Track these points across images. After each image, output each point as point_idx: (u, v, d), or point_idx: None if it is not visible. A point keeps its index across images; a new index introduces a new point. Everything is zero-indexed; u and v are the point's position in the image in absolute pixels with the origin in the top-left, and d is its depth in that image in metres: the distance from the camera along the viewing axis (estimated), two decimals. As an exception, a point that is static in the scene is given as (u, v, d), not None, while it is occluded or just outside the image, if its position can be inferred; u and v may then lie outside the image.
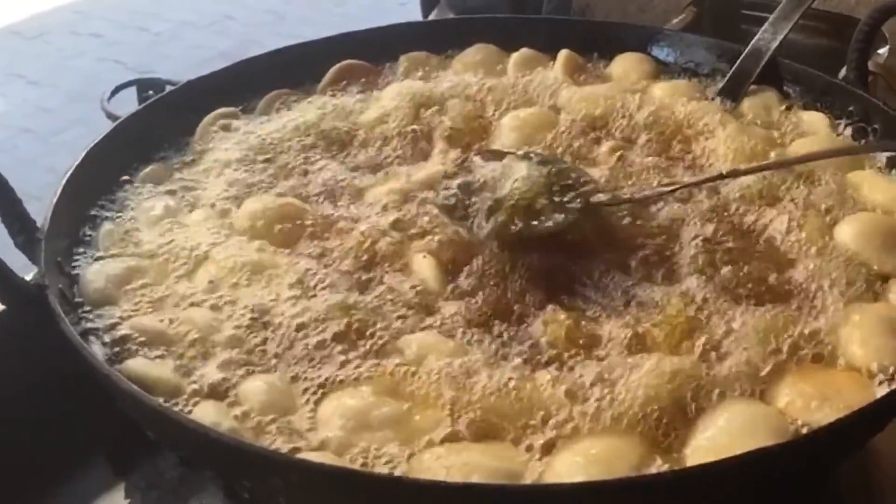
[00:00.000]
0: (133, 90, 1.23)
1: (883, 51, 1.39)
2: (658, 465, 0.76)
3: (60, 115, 3.89)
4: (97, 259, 0.97)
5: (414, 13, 2.21)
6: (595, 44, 1.32)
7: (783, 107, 1.20)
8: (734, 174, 1.02)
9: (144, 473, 1.02)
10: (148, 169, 1.10)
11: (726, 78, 1.24)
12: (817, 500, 0.86)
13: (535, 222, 0.95)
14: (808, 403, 0.80)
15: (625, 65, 1.29)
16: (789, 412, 0.80)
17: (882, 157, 1.10)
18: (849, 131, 1.15)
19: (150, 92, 1.21)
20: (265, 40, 4.11)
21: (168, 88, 1.21)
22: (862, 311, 0.89)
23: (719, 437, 0.77)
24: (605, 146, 1.13)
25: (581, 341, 0.87)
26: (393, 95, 1.21)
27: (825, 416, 0.78)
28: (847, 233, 0.98)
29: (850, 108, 1.16)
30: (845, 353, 0.85)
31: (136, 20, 4.84)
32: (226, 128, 1.18)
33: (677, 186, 1.02)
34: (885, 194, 1.04)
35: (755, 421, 0.78)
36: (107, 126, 1.12)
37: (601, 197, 1.01)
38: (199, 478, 0.97)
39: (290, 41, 1.32)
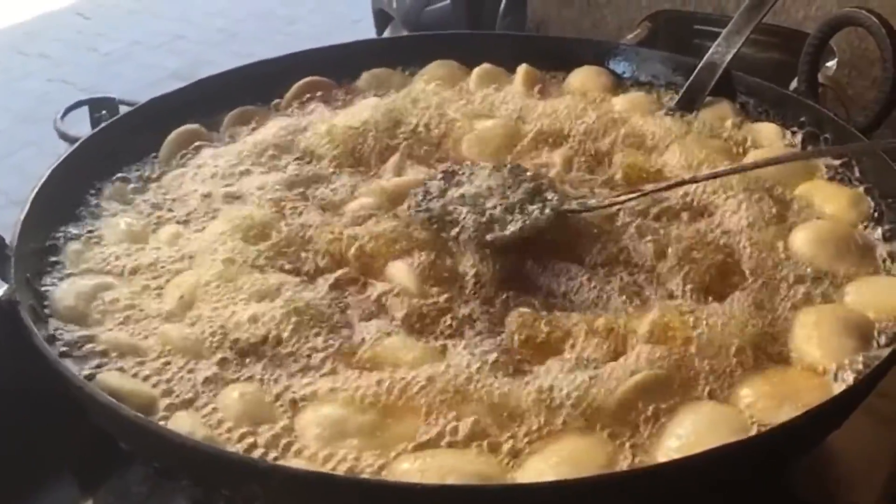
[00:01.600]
0: (85, 110, 1.23)
1: (831, 63, 1.42)
2: (626, 464, 0.78)
3: (10, 137, 3.84)
4: (67, 276, 0.97)
5: (367, 31, 2.23)
6: (553, 59, 1.34)
7: (737, 118, 1.23)
8: (694, 180, 1.05)
9: (112, 488, 1.01)
10: (114, 187, 1.11)
11: (682, 90, 1.27)
12: (775, 495, 0.89)
13: (511, 229, 0.98)
14: (768, 403, 0.83)
15: (582, 78, 1.31)
16: (751, 412, 0.82)
17: (823, 164, 1.14)
18: (801, 140, 1.18)
19: (104, 112, 1.21)
20: (217, 59, 4.11)
21: (122, 108, 1.21)
22: (818, 312, 0.92)
23: (685, 436, 0.79)
24: (561, 157, 1.15)
25: (552, 342, 0.89)
26: (362, 110, 1.22)
27: (785, 414, 0.80)
28: (801, 239, 1.01)
29: (802, 119, 1.19)
30: (804, 353, 0.88)
31: (84, 40, 4.79)
32: (194, 147, 1.19)
33: (641, 193, 1.03)
34: (836, 202, 1.07)
35: (719, 421, 0.81)
36: (59, 146, 1.12)
37: (573, 204, 1.03)
38: (168, 491, 0.97)
39: (243, 60, 1.32)
